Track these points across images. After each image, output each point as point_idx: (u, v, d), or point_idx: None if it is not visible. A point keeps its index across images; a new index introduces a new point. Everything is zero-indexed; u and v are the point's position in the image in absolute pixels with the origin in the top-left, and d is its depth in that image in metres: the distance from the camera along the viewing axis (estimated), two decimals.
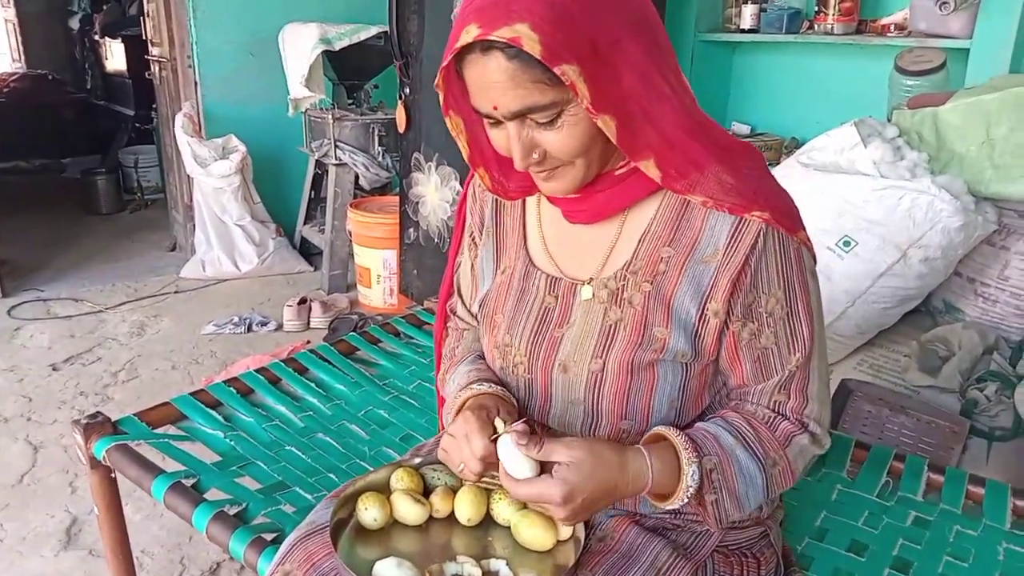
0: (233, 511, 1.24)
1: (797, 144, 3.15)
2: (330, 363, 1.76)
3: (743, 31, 3.36)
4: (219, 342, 3.19)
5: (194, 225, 3.96)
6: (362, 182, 3.76)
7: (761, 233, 0.87)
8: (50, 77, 7.11)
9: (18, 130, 6.28)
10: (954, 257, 2.01)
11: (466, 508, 0.97)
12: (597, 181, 0.91)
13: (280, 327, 3.32)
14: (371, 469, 1.21)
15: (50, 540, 1.97)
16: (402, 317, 2.02)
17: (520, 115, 0.82)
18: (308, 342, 3.06)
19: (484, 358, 1.08)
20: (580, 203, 0.94)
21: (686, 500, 0.86)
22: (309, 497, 1.30)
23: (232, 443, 1.46)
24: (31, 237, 4.50)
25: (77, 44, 7.24)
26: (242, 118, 3.98)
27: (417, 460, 1.06)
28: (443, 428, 1.31)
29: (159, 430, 1.49)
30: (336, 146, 3.66)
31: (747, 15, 3.30)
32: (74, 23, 7.16)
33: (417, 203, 3.04)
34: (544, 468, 0.85)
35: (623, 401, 0.93)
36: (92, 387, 2.79)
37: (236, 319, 3.32)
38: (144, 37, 4.35)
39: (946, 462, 1.67)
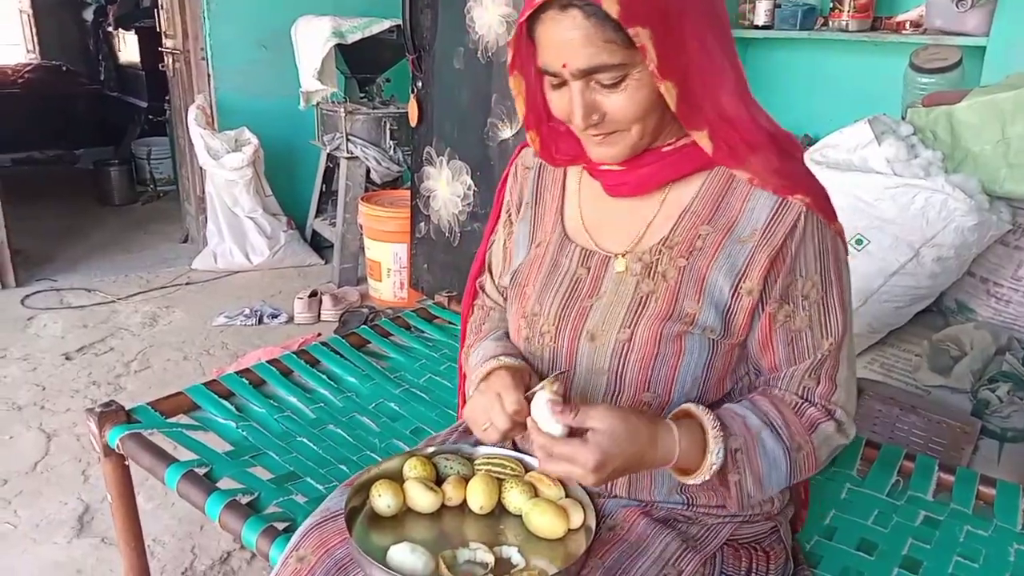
0: (245, 500, 1.25)
1: (810, 141, 3.13)
2: (341, 355, 1.77)
3: (757, 27, 3.34)
4: (230, 334, 3.21)
5: (206, 217, 3.98)
6: (373, 176, 3.77)
7: (802, 215, 0.89)
8: (64, 68, 7.15)
9: (32, 121, 6.32)
10: (967, 256, 2.00)
11: (478, 496, 0.98)
12: (643, 155, 0.93)
13: (291, 319, 3.33)
14: (382, 459, 1.22)
15: (63, 527, 1.99)
16: (413, 311, 2.03)
17: (587, 74, 0.84)
18: (319, 335, 3.07)
19: (509, 336, 1.10)
20: (624, 176, 0.96)
21: (708, 477, 0.87)
22: (320, 487, 1.31)
23: (244, 433, 1.47)
24: (44, 227, 4.53)
25: (91, 35, 7.27)
26: (255, 111, 3.99)
27: (430, 449, 1.07)
28: (463, 403, 1.32)
29: (172, 419, 1.50)
30: (348, 140, 3.67)
31: (761, 11, 3.28)
32: (88, 14, 7.19)
33: (428, 197, 3.05)
34: (573, 434, 0.86)
35: (648, 372, 0.94)
36: (104, 377, 2.82)
37: (247, 311, 3.34)
38: (158, 29, 4.37)
39: (957, 463, 1.66)
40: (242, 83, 4.01)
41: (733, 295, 0.92)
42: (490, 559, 0.90)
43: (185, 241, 4.45)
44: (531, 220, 1.09)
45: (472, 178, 2.83)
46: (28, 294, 3.58)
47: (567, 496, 0.99)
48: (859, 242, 2.00)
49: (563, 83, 0.87)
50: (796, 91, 3.52)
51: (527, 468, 1.03)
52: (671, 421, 0.89)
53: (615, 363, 0.95)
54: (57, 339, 3.14)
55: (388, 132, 3.71)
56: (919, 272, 1.97)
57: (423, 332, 1.94)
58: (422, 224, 3.12)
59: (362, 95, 3.93)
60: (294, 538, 1.00)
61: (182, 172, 4.49)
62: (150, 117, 5.83)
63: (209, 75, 3.95)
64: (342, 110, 3.65)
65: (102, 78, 7.08)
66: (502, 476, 1.01)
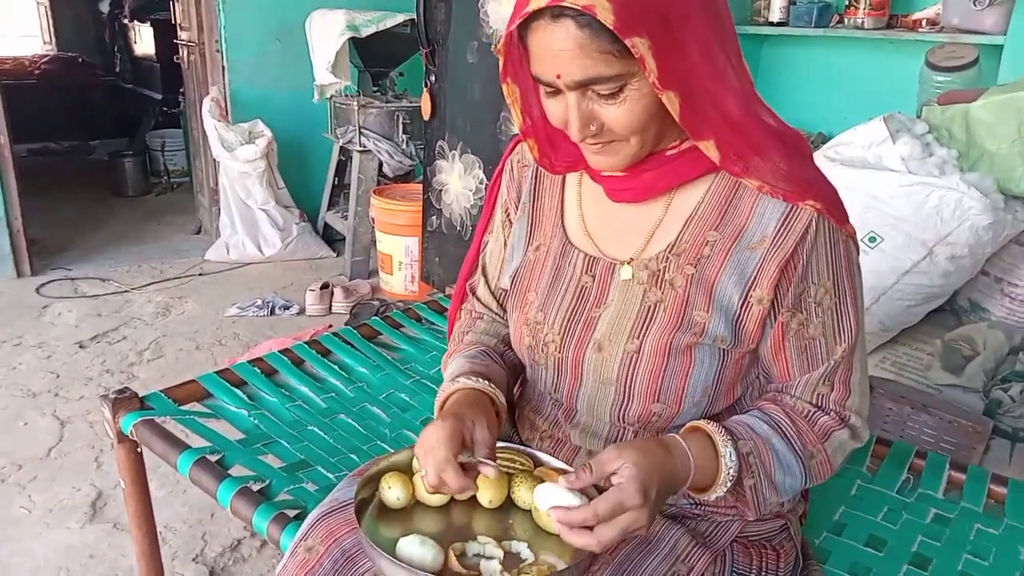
0: (256, 487, 1.26)
1: (825, 139, 3.12)
2: (353, 346, 1.77)
3: (772, 24, 3.33)
4: (242, 324, 3.23)
5: (219, 209, 4.00)
6: (386, 169, 3.78)
7: (813, 221, 0.86)
8: (80, 60, 7.21)
9: (48, 112, 6.37)
10: (981, 256, 1.98)
11: (488, 491, 0.97)
12: (646, 160, 0.90)
13: (302, 311, 3.35)
14: (392, 451, 1.22)
15: (76, 513, 2.02)
16: (424, 303, 2.04)
17: (583, 85, 0.81)
18: (330, 326, 3.08)
19: (489, 353, 1.07)
20: (626, 181, 0.93)
21: (728, 484, 0.85)
22: (331, 476, 1.32)
23: (256, 421, 1.48)
24: (60, 217, 4.57)
25: (107, 27, 7.32)
26: (268, 103, 4.01)
27: None
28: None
29: (185, 407, 1.51)
30: (361, 133, 3.68)
31: (776, 8, 3.27)
32: (104, 6, 7.24)
33: (440, 191, 3.05)
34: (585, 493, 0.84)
35: (657, 383, 0.92)
36: (118, 365, 2.84)
37: (259, 302, 3.36)
38: (173, 21, 4.40)
39: (968, 461, 1.65)
40: (256, 76, 4.03)
41: (743, 304, 0.89)
42: (499, 553, 0.90)
43: (198, 232, 4.48)
44: (528, 221, 1.05)
45: (484, 172, 2.83)
46: (43, 283, 3.62)
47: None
48: (872, 240, 1.99)
49: (558, 91, 0.83)
50: (811, 88, 3.50)
51: (537, 463, 1.03)
52: (676, 436, 0.88)
53: (623, 374, 0.93)
54: (71, 328, 3.17)
55: (401, 126, 3.71)
56: (932, 271, 1.96)
57: (434, 324, 1.95)
58: (434, 218, 3.13)
59: (375, 89, 3.94)
60: (303, 528, 1.00)
61: (196, 164, 4.52)
62: (164, 109, 5.87)
63: (223, 67, 3.97)
64: (355, 103, 3.66)
65: (117, 70, 7.13)
66: (512, 471, 1.00)
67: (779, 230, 0.87)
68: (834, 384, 0.93)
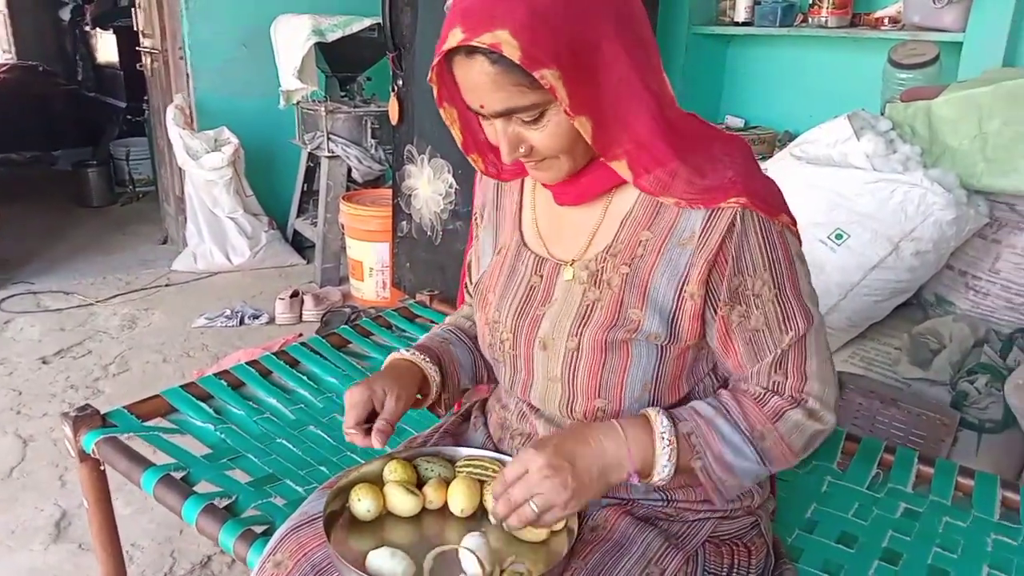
0: (223, 504, 1.23)
1: (791, 137, 3.15)
2: (322, 356, 1.75)
3: (737, 24, 3.36)
4: (211, 335, 3.18)
5: (186, 218, 3.94)
6: (355, 175, 3.75)
7: (737, 216, 0.87)
8: (40, 68, 7.06)
9: (8, 122, 6.24)
10: (946, 250, 2.01)
11: (460, 499, 0.97)
12: (585, 166, 0.93)
13: (272, 320, 3.31)
14: (362, 462, 1.20)
15: (39, 534, 1.97)
16: (394, 310, 2.02)
17: (504, 114, 0.85)
18: (300, 335, 3.05)
19: (455, 332, 1.17)
20: (566, 185, 0.96)
21: (667, 465, 0.87)
22: (300, 490, 1.30)
23: (222, 436, 1.45)
24: (21, 229, 4.47)
25: (68, 35, 7.18)
26: (234, 110, 3.96)
27: (411, 451, 1.06)
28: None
29: (149, 423, 1.48)
30: (329, 139, 3.65)
31: (741, 8, 3.30)
32: (65, 14, 7.10)
33: (410, 196, 3.03)
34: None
35: (597, 378, 0.95)
36: (82, 380, 2.78)
37: (228, 312, 3.31)
38: (135, 28, 4.32)
39: (936, 454, 1.67)
40: (221, 82, 3.97)
41: (677, 300, 0.91)
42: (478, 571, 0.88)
43: (165, 242, 4.41)
44: (493, 226, 1.10)
45: (453, 176, 2.82)
46: (4, 297, 3.54)
47: None
48: (839, 237, 2.01)
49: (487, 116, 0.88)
50: (776, 87, 3.54)
51: None
52: (612, 421, 0.90)
53: (566, 370, 0.96)
54: (34, 343, 3.10)
55: (369, 131, 3.69)
56: (898, 266, 1.99)
57: (405, 332, 1.93)
58: (404, 223, 3.11)
59: (343, 94, 3.91)
60: (271, 542, 0.99)
61: (161, 173, 4.45)
62: (128, 117, 5.78)
63: (188, 74, 3.91)
64: (323, 109, 3.63)
65: (80, 78, 7.00)
66: (483, 478, 1.00)
67: (704, 227, 0.89)
68: (788, 372, 0.92)
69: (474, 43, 0.78)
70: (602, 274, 0.95)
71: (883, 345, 2.10)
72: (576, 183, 0.95)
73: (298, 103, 3.82)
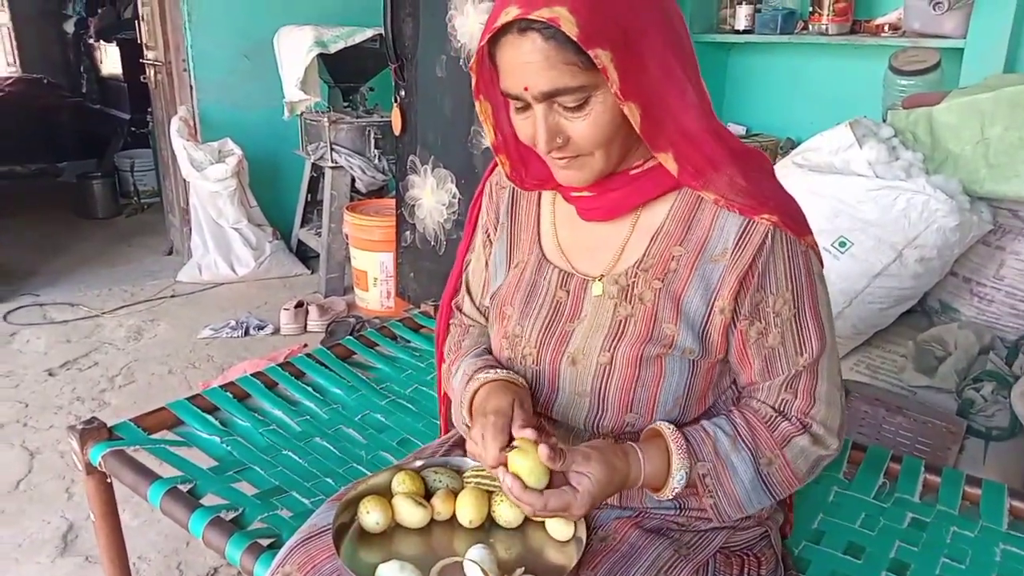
0: (229, 516, 1.24)
1: (792, 145, 3.15)
2: (327, 367, 1.76)
3: (738, 32, 3.36)
4: (216, 346, 3.18)
5: (190, 229, 3.96)
6: (358, 185, 3.76)
7: (769, 234, 0.89)
8: (45, 81, 7.11)
9: (13, 134, 6.27)
10: (950, 257, 2.01)
11: (468, 510, 0.97)
12: (612, 179, 0.93)
13: (277, 331, 3.31)
14: (368, 473, 1.21)
15: (46, 547, 1.97)
16: (399, 321, 2.02)
17: (549, 97, 0.84)
18: (305, 345, 3.05)
19: (491, 351, 1.09)
20: (594, 201, 0.96)
21: (670, 496, 0.91)
22: (306, 502, 1.30)
23: (229, 448, 1.45)
24: (27, 241, 4.49)
25: (72, 48, 7.24)
26: (238, 121, 3.97)
27: (418, 463, 1.06)
28: (445, 423, 1.31)
29: (155, 435, 1.49)
30: (332, 149, 3.66)
31: (742, 16, 3.30)
32: (69, 27, 7.15)
33: (413, 206, 3.04)
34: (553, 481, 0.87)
35: (629, 394, 0.94)
36: (89, 392, 2.79)
37: (233, 323, 3.32)
38: (139, 41, 4.35)
39: (943, 462, 1.67)
40: (225, 94, 3.99)
41: (708, 315, 0.92)
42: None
43: (170, 253, 4.42)
44: (508, 240, 1.08)
45: (457, 186, 2.82)
46: (10, 309, 3.54)
47: None
48: (842, 244, 2.00)
49: (527, 107, 0.87)
50: (777, 95, 3.54)
51: None
52: (638, 446, 0.91)
53: (597, 385, 0.95)
54: (40, 355, 3.11)
55: (372, 141, 3.70)
56: (902, 273, 1.98)
57: (409, 342, 1.93)
58: (408, 233, 3.12)
59: (346, 104, 3.92)
60: (280, 555, 0.99)
61: (166, 184, 4.46)
62: (133, 129, 5.80)
63: (191, 86, 3.93)
64: (326, 120, 3.64)
65: (84, 91, 7.05)
66: (492, 489, 1.00)
67: (738, 242, 0.90)
68: (798, 392, 0.94)
69: (532, 16, 0.78)
70: (633, 289, 0.95)
71: (888, 353, 2.10)
72: (604, 198, 0.95)
73: (302, 114, 3.84)
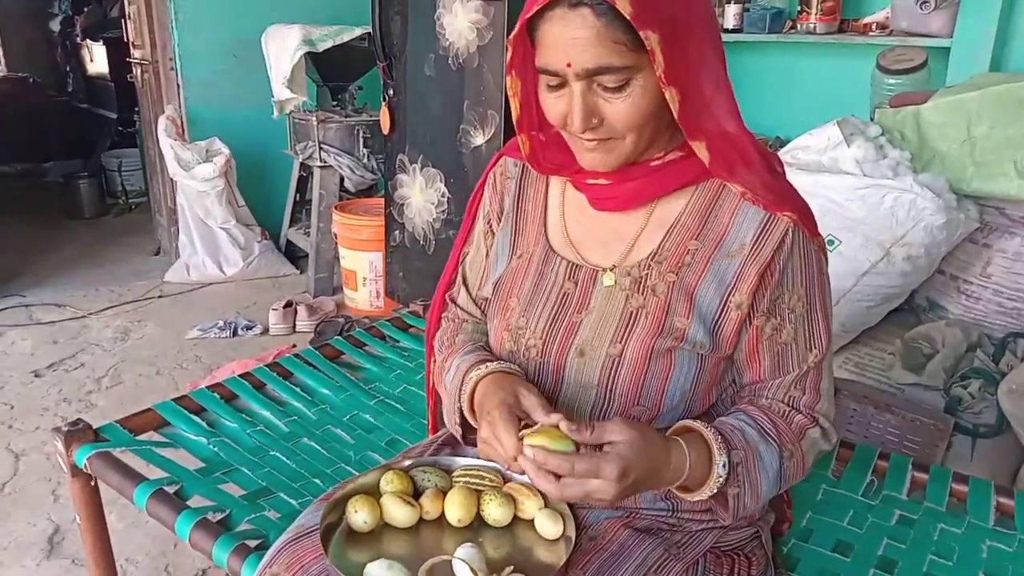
0: (216, 518, 1.23)
1: (781, 143, 3.16)
2: (315, 367, 1.75)
3: (726, 31, 3.36)
4: (204, 347, 3.17)
5: (178, 229, 3.93)
6: (347, 184, 3.75)
7: (789, 231, 0.91)
8: (31, 80, 7.03)
9: None
10: (937, 255, 2.02)
11: (456, 509, 0.97)
12: (631, 169, 0.93)
13: (266, 331, 3.30)
14: (357, 474, 1.20)
15: (32, 549, 1.95)
16: (388, 320, 2.01)
17: (592, 75, 0.83)
18: (294, 346, 3.04)
19: (486, 347, 1.08)
20: (610, 190, 0.96)
21: (715, 491, 0.88)
22: (294, 503, 1.29)
23: (216, 449, 1.44)
24: (13, 242, 4.45)
25: (58, 47, 7.17)
26: (226, 120, 3.95)
27: (407, 462, 1.06)
28: (433, 423, 1.31)
29: (142, 437, 1.48)
30: (321, 148, 3.65)
31: (730, 15, 3.30)
32: (55, 25, 7.09)
33: (402, 205, 3.03)
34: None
35: (638, 386, 0.94)
36: (75, 394, 2.77)
37: (221, 323, 3.30)
38: (126, 39, 4.32)
39: (931, 459, 1.68)
40: (212, 93, 3.96)
41: (722, 309, 0.93)
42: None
43: (157, 253, 4.39)
44: (512, 230, 1.07)
45: (446, 185, 2.82)
46: None
47: (546, 507, 0.98)
48: (831, 243, 2.01)
49: (562, 84, 0.86)
50: (766, 94, 3.55)
51: (506, 479, 1.02)
52: (678, 437, 0.89)
53: (604, 377, 0.95)
54: (26, 356, 3.08)
55: (361, 140, 3.69)
56: (890, 271, 1.99)
57: (398, 342, 1.92)
58: (397, 232, 3.11)
59: (334, 103, 3.91)
60: (268, 556, 0.99)
61: (153, 184, 4.44)
62: (120, 128, 5.76)
63: (178, 85, 3.90)
64: (314, 119, 3.63)
65: (70, 90, 6.99)
66: (480, 488, 1.00)
67: (758, 238, 0.91)
68: (806, 389, 0.97)
69: None
70: (646, 281, 0.95)
71: (876, 350, 2.11)
72: (620, 188, 0.95)
73: (290, 113, 3.82)
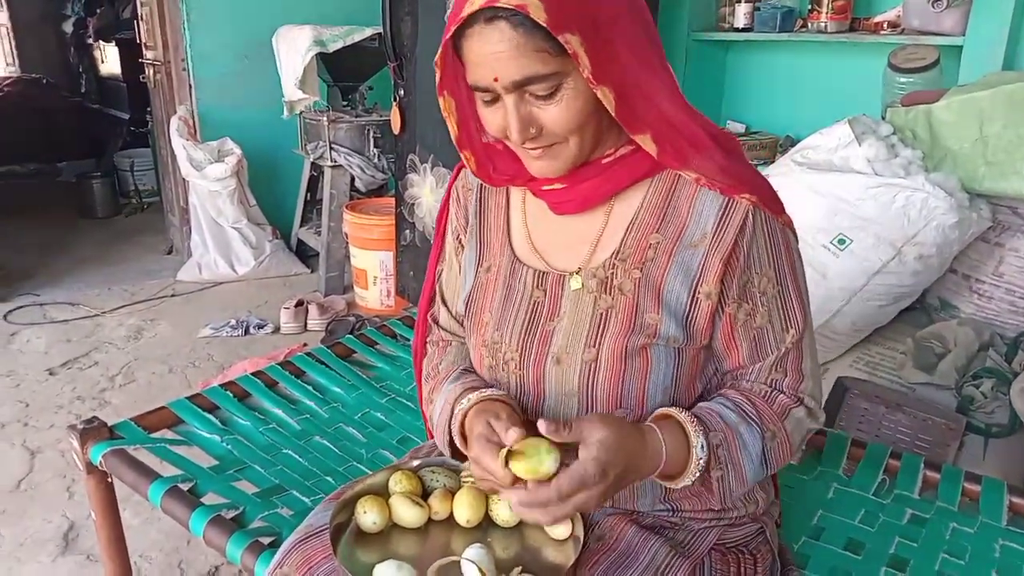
0: (230, 515, 1.24)
1: (792, 143, 3.15)
2: (327, 366, 1.76)
3: (737, 30, 3.36)
4: (216, 345, 3.19)
5: (190, 228, 3.96)
6: (358, 184, 3.76)
7: (749, 214, 0.89)
8: (44, 81, 7.10)
9: (12, 134, 6.27)
10: (949, 254, 2.01)
11: (465, 510, 0.97)
12: (583, 169, 0.92)
13: (277, 330, 3.31)
14: (368, 472, 1.21)
15: (47, 545, 1.97)
16: (399, 319, 2.02)
17: (520, 86, 0.82)
18: (305, 344, 3.06)
19: (470, 368, 1.07)
20: (566, 193, 0.95)
21: (697, 475, 0.87)
22: (306, 500, 1.30)
23: (229, 447, 1.46)
24: (26, 241, 4.49)
25: (71, 48, 7.23)
26: (237, 121, 3.97)
27: (416, 462, 1.06)
28: (430, 429, 1.31)
29: (156, 434, 1.49)
30: (331, 148, 3.66)
31: (741, 14, 3.30)
32: (68, 27, 7.14)
33: (413, 204, 3.04)
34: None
35: (618, 389, 0.93)
36: (89, 392, 2.79)
37: (233, 322, 3.32)
38: (138, 40, 4.35)
39: (943, 459, 1.67)
40: (224, 93, 3.99)
41: (691, 301, 0.92)
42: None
43: (169, 253, 4.42)
44: (477, 243, 1.06)
45: None
46: (10, 309, 3.55)
47: None
48: (842, 242, 2.01)
49: (496, 99, 0.85)
50: (777, 93, 3.54)
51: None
52: (652, 424, 0.89)
53: (583, 383, 0.94)
54: (40, 354, 3.11)
55: (372, 140, 3.70)
56: (902, 271, 1.99)
57: (409, 340, 1.93)
58: (407, 231, 3.12)
59: (345, 103, 3.92)
60: (277, 555, 0.99)
61: (165, 183, 4.46)
62: (132, 129, 5.80)
63: (190, 86, 3.93)
64: (325, 119, 3.64)
65: (83, 90, 7.04)
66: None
67: (718, 224, 0.90)
68: (787, 371, 0.96)
69: (500, 4, 0.77)
70: (612, 280, 0.94)
71: (888, 350, 2.10)
72: (575, 190, 0.94)
73: (301, 113, 3.84)
